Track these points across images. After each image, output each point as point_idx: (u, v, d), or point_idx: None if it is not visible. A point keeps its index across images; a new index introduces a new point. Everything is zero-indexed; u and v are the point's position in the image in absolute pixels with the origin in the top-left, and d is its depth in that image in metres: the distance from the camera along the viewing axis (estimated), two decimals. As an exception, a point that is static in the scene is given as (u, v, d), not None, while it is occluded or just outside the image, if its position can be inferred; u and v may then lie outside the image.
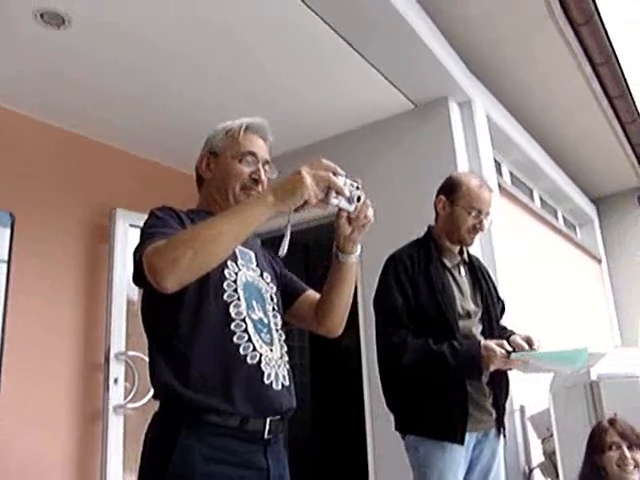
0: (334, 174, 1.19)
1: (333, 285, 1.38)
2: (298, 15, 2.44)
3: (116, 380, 3.03)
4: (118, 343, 3.08)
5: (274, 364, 1.30)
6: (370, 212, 1.27)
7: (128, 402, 3.01)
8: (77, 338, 3.08)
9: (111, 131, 3.32)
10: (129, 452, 2.97)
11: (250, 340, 1.27)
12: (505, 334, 1.94)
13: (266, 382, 1.26)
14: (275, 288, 1.44)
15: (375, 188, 3.28)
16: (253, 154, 1.39)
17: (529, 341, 1.79)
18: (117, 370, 3.05)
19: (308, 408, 5.00)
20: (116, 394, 3.01)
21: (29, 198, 2.98)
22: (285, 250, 1.22)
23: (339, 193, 1.20)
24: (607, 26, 3.14)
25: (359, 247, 1.35)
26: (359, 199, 1.24)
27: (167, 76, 2.84)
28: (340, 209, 1.25)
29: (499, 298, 2.13)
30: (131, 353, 3.06)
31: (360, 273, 3.20)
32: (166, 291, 1.11)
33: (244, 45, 2.65)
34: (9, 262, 2.79)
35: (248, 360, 1.25)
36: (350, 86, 3.08)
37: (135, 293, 3.21)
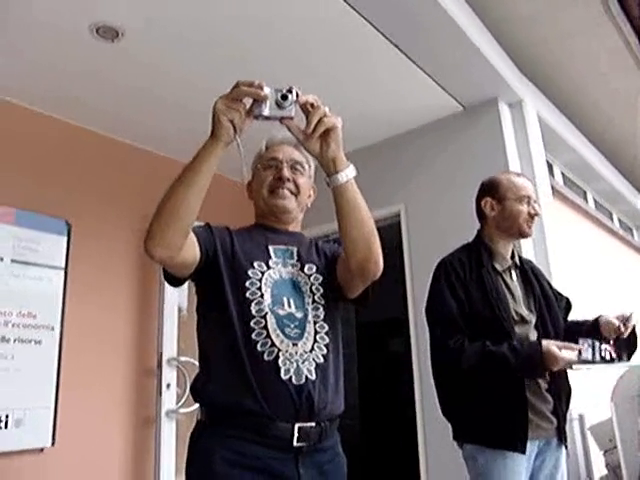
0: (252, 86, 1.15)
1: (339, 216, 1.26)
2: (345, 18, 2.43)
3: (168, 385, 3.08)
4: (170, 349, 3.13)
5: (297, 358, 1.28)
6: (327, 117, 1.18)
7: (180, 407, 3.05)
8: (130, 344, 3.15)
9: (164, 141, 3.38)
10: (181, 456, 3.01)
11: (268, 336, 1.28)
12: (582, 326, 1.90)
13: (283, 377, 1.26)
14: (321, 278, 1.43)
15: (424, 192, 3.30)
16: (275, 159, 1.47)
17: (625, 321, 1.74)
18: (169, 375, 3.10)
19: (356, 414, 4.97)
20: (169, 399, 3.06)
21: (85, 207, 3.07)
22: (245, 173, 1.22)
23: (258, 99, 1.15)
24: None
25: (345, 164, 1.23)
26: (296, 99, 1.15)
27: (220, 84, 2.85)
28: (281, 119, 1.17)
29: (561, 296, 2.06)
30: (183, 359, 3.10)
31: (410, 279, 3.16)
32: (156, 258, 1.20)
33: (292, 50, 2.67)
34: (66, 269, 2.88)
35: (265, 357, 1.27)
36: (397, 89, 3.05)
37: (185, 300, 3.27)
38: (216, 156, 1.18)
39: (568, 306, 2.08)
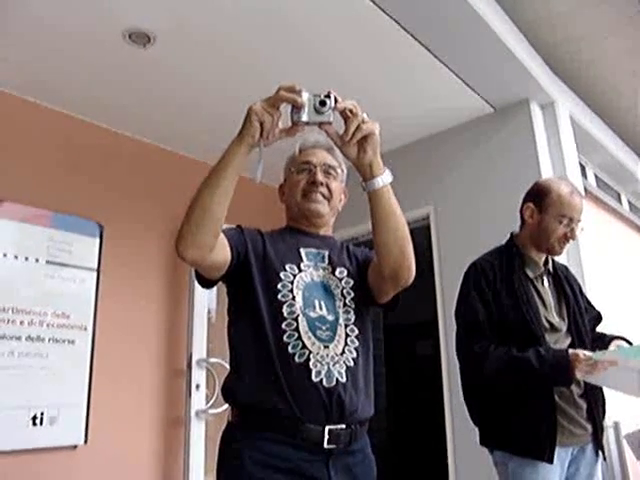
0: (291, 91, 1.16)
1: (373, 221, 1.27)
2: (372, 18, 2.41)
3: (198, 386, 3.10)
4: (199, 350, 3.15)
5: (328, 361, 1.28)
6: (365, 124, 1.18)
7: (209, 408, 3.08)
8: (161, 344, 3.19)
9: (195, 144, 3.41)
10: (210, 456, 3.04)
11: (300, 338, 1.29)
12: (604, 339, 1.85)
13: (314, 379, 1.26)
14: (352, 282, 1.43)
15: (454, 195, 3.27)
16: (308, 162, 1.48)
17: None
18: (199, 376, 3.12)
19: (384, 418, 4.95)
20: (198, 399, 3.09)
21: (116, 209, 3.12)
22: (259, 176, 1.20)
23: (296, 105, 1.16)
24: None
25: (382, 170, 1.23)
26: (334, 105, 1.16)
27: (247, 89, 2.88)
28: (320, 124, 1.18)
29: (591, 308, 2.01)
30: (212, 360, 3.13)
31: (439, 282, 3.13)
32: (187, 259, 1.21)
33: (320, 53, 2.66)
34: (98, 270, 2.94)
35: (296, 358, 1.27)
36: (427, 91, 3.03)
37: (214, 302, 3.30)
38: (240, 157, 1.18)
39: (598, 319, 2.02)
